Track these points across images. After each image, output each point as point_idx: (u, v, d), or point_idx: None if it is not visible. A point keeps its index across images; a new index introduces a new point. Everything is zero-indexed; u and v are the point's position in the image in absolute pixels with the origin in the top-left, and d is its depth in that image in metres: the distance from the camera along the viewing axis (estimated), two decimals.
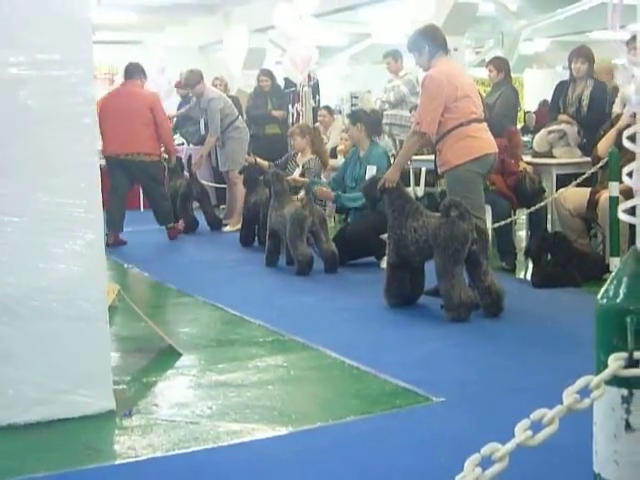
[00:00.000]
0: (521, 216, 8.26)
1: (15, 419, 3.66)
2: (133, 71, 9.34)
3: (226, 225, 10.35)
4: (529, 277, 6.67)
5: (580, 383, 1.73)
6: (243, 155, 9.78)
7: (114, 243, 8.98)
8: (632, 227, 2.13)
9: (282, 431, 3.62)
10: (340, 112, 14.26)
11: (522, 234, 8.40)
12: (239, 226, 9.47)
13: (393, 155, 8.49)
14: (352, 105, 16.63)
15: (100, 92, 13.80)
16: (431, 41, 5.97)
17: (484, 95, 8.92)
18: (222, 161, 10.44)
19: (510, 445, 1.64)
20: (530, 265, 6.90)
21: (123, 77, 9.56)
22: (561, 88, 8.10)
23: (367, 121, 7.73)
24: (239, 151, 10.05)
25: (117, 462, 3.36)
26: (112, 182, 9.14)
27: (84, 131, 3.76)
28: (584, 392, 1.77)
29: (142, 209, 12.55)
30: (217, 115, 10.02)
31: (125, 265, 7.83)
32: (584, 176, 7.12)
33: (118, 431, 3.68)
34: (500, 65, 8.73)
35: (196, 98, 10.35)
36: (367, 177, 6.96)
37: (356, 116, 7.90)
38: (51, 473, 3.21)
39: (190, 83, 10.21)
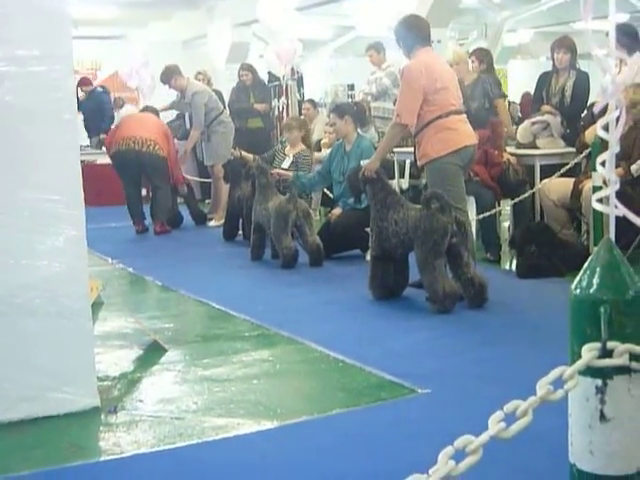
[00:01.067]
0: (505, 207, 8.28)
1: None
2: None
3: (211, 219, 10.33)
4: (514, 268, 6.69)
5: (554, 374, 1.73)
6: (228, 149, 9.79)
7: (160, 231, 9.42)
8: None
9: (267, 425, 3.62)
10: (324, 105, 14.25)
11: (506, 225, 8.41)
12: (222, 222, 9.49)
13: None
14: (349, 97, 16.66)
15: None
16: (410, 31, 5.94)
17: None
18: (207, 155, 10.42)
19: (483, 437, 1.64)
20: (515, 256, 6.92)
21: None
22: (544, 79, 8.12)
23: (353, 113, 7.75)
24: (224, 145, 10.04)
25: (102, 459, 3.36)
26: (123, 178, 9.65)
27: (65, 127, 3.75)
28: (559, 383, 1.77)
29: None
30: (201, 109, 10.00)
31: (110, 260, 7.80)
32: (567, 166, 7.14)
33: (103, 428, 3.67)
34: (482, 56, 8.72)
35: (180, 93, 10.32)
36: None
37: (342, 109, 7.90)
38: (36, 471, 3.21)
39: (164, 79, 10.23)
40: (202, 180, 11.86)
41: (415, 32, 5.94)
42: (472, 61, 8.69)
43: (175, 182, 9.84)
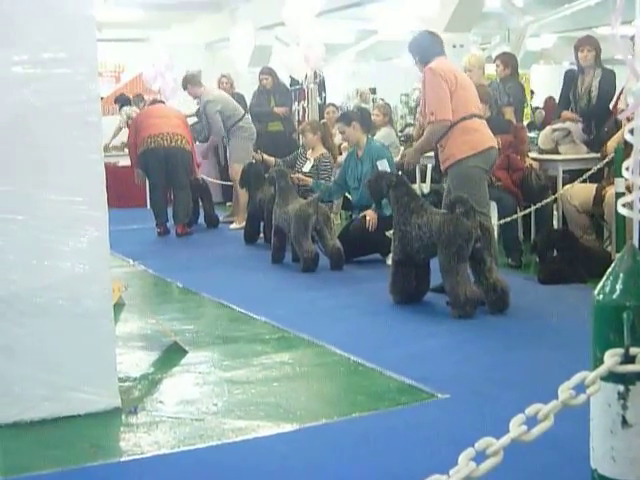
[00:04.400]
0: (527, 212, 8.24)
1: (21, 416, 3.68)
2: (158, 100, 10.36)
3: (232, 222, 10.35)
4: (536, 273, 6.66)
5: (576, 379, 1.73)
6: (248, 153, 9.82)
7: (182, 233, 9.50)
8: None
9: (287, 428, 3.63)
10: (346, 109, 14.24)
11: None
12: (242, 225, 9.53)
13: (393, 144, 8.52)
14: (373, 100, 16.67)
15: (106, 90, 13.91)
16: (434, 44, 6.08)
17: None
18: (229, 157, 10.46)
19: (504, 440, 1.64)
20: (536, 261, 6.89)
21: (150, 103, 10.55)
22: (570, 79, 8.05)
23: (359, 119, 7.78)
24: (243, 149, 10.08)
25: (122, 459, 3.37)
26: (151, 179, 9.80)
27: (88, 129, 3.77)
28: (581, 388, 1.77)
29: (148, 206, 12.60)
30: (215, 117, 10.07)
31: (131, 262, 7.84)
32: (590, 172, 7.10)
33: (123, 428, 3.69)
34: (507, 60, 8.70)
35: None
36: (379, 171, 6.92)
37: (348, 117, 7.94)
38: (57, 470, 3.22)
39: (183, 85, 10.43)
40: (223, 183, 11.89)
41: (436, 45, 6.08)
42: (497, 65, 8.68)
43: (192, 172, 9.96)
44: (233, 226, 10.22)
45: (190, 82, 10.24)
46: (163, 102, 10.71)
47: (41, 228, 3.67)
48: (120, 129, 13.44)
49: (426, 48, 6.04)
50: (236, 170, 10.02)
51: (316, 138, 8.70)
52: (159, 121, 9.59)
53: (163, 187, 9.83)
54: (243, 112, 10.48)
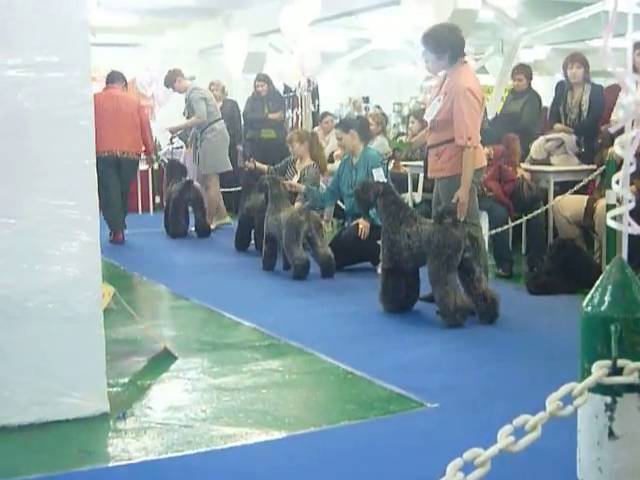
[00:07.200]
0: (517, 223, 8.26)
1: (9, 420, 3.67)
2: (115, 77, 9.71)
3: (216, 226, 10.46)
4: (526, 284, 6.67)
5: (563, 390, 1.73)
6: (220, 159, 10.08)
7: (114, 240, 9.33)
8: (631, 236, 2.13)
9: (276, 435, 3.63)
10: (339, 117, 14.26)
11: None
12: (221, 221, 9.80)
13: (387, 153, 8.52)
14: (377, 106, 16.69)
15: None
16: (458, 41, 5.85)
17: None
18: (200, 163, 10.41)
19: (492, 450, 1.64)
20: (526, 272, 6.91)
21: (105, 82, 9.82)
22: (560, 91, 8.11)
23: (357, 126, 7.80)
24: (215, 155, 10.18)
25: (110, 465, 3.36)
26: (105, 181, 9.13)
27: (81, 133, 3.77)
28: (568, 399, 1.77)
29: (140, 212, 12.59)
30: (200, 102, 10.07)
31: (121, 267, 7.83)
32: (581, 183, 7.13)
33: (112, 434, 3.68)
34: (529, 73, 8.77)
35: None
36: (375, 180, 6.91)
37: (347, 124, 7.97)
38: (44, 475, 3.22)
39: (168, 82, 10.42)
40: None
41: (460, 41, 5.87)
42: (519, 80, 8.70)
43: (148, 151, 10.02)
44: (213, 226, 10.31)
45: (179, 75, 10.28)
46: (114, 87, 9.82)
47: (32, 232, 3.67)
48: None
49: (459, 45, 5.83)
50: (209, 176, 10.21)
51: (303, 148, 8.61)
52: (114, 133, 9.18)
53: (116, 189, 9.51)
54: (220, 116, 10.46)
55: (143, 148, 9.88)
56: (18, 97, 3.64)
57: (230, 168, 10.45)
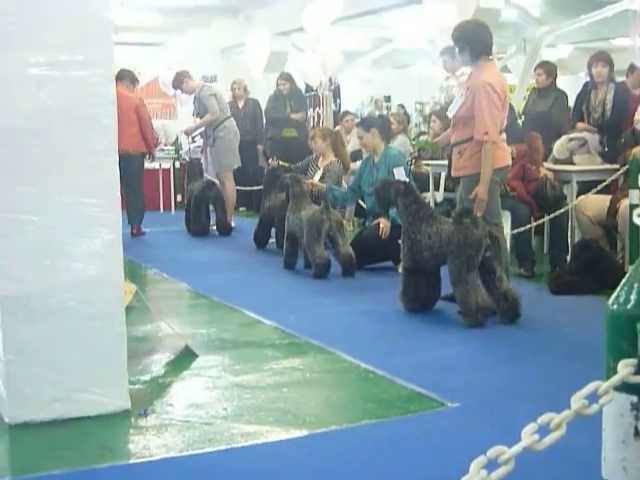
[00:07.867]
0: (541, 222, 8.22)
1: (31, 416, 3.69)
2: (123, 76, 9.79)
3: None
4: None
5: (589, 388, 1.72)
6: (233, 157, 10.05)
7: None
8: None
9: (296, 434, 3.62)
10: (361, 116, 14.26)
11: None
12: None
13: (411, 153, 8.50)
14: (400, 105, 16.67)
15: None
16: (482, 37, 5.82)
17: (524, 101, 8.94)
18: (212, 162, 10.43)
19: (516, 448, 1.63)
20: (548, 272, 6.87)
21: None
22: (584, 93, 8.07)
23: (379, 125, 7.79)
24: (227, 153, 10.15)
25: (131, 461, 3.38)
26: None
27: (103, 131, 3.79)
28: (593, 397, 1.76)
29: (162, 210, 12.63)
30: (211, 99, 10.05)
31: (143, 265, 7.86)
32: (604, 183, 7.08)
33: (133, 430, 3.70)
34: (550, 70, 8.70)
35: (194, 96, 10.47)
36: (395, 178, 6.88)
37: (368, 122, 7.99)
38: (65, 471, 3.23)
39: (176, 84, 10.40)
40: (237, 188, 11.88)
41: (484, 38, 5.84)
42: (539, 74, 8.66)
43: (148, 147, 10.00)
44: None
45: (185, 76, 10.26)
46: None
47: (55, 229, 3.69)
48: None
49: (482, 41, 5.80)
50: (224, 174, 10.20)
51: (325, 145, 8.63)
52: None
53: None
54: (230, 114, 10.44)
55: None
56: (41, 95, 3.65)
57: (239, 165, 10.45)
